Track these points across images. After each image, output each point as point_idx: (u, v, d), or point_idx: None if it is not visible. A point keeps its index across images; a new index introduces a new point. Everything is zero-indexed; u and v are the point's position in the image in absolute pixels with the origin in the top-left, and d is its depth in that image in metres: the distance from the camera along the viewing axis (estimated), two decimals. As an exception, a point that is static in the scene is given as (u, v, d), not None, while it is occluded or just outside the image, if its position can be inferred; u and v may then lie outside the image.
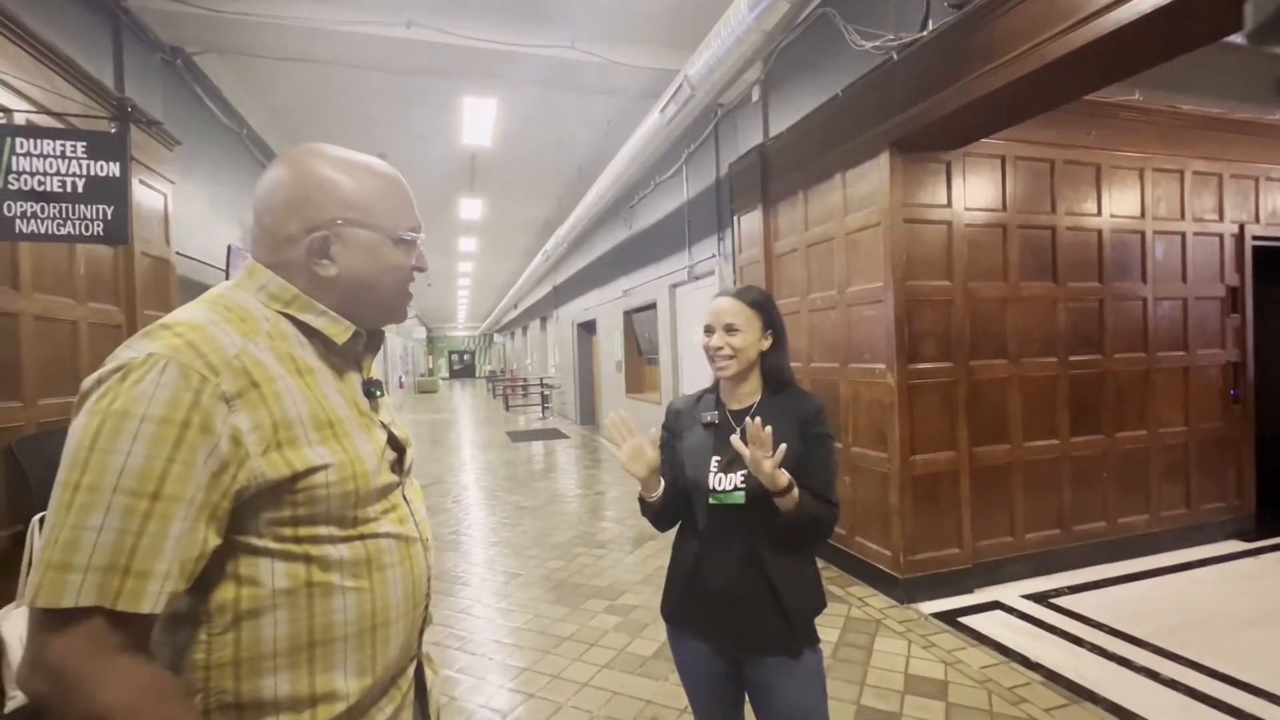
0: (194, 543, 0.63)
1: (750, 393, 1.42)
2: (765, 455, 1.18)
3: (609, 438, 1.34)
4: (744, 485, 1.31)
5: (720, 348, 1.37)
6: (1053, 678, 2.50)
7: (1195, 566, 3.62)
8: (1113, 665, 2.59)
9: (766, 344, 1.40)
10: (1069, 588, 3.36)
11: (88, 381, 0.65)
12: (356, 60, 4.16)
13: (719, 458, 1.35)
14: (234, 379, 0.66)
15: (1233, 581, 3.42)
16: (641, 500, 1.39)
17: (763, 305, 1.40)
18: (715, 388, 1.48)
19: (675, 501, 1.41)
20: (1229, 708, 2.29)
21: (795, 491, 1.24)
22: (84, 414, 0.62)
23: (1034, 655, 2.66)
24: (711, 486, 1.34)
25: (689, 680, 1.43)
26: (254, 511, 0.68)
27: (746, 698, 1.42)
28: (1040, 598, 3.25)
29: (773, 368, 1.40)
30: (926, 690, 2.42)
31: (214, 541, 0.65)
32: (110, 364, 0.65)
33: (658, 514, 1.40)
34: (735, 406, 1.42)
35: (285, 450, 0.69)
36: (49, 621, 0.59)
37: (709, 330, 1.40)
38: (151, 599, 0.60)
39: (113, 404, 0.61)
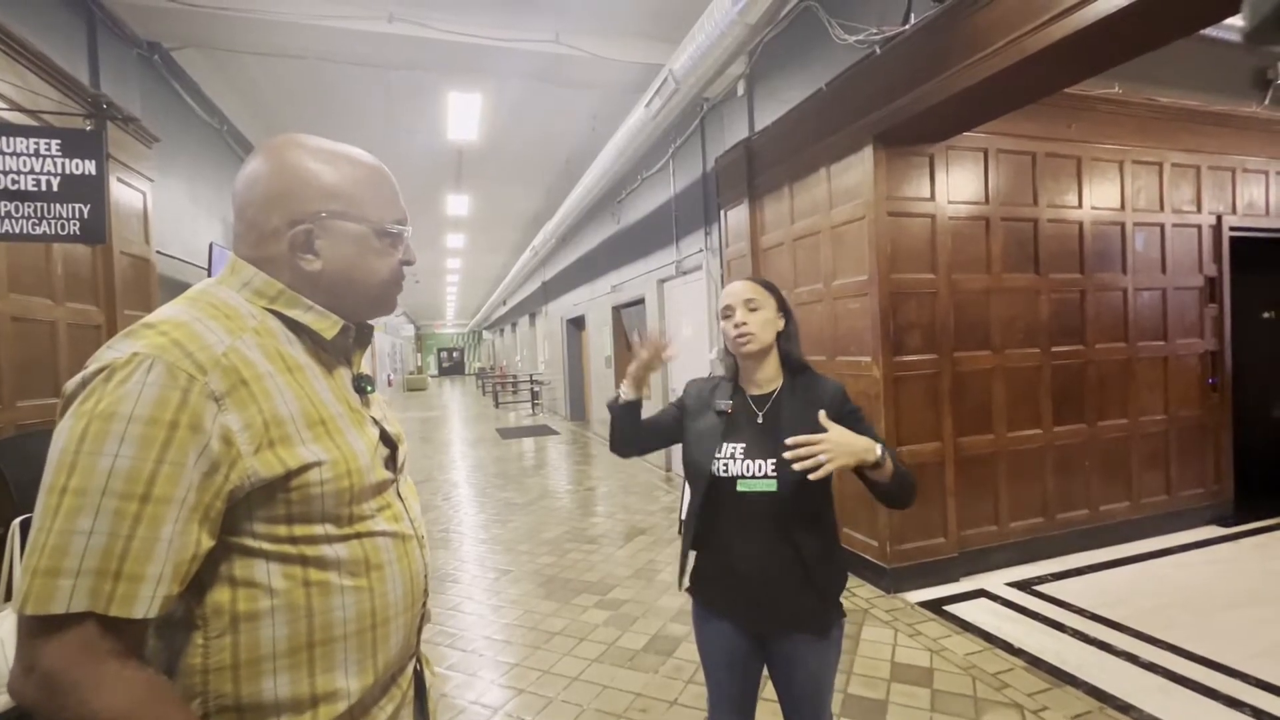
0: (187, 544, 0.61)
1: (771, 378, 1.44)
2: (827, 453, 1.20)
3: (643, 342, 1.46)
4: (775, 473, 1.34)
5: (744, 323, 1.40)
6: (1035, 663, 2.54)
7: (1175, 552, 3.68)
8: (1094, 650, 2.64)
9: (781, 324, 1.44)
10: (1052, 574, 3.41)
11: (71, 384, 0.63)
12: (338, 55, 4.11)
13: (738, 444, 1.38)
14: (223, 377, 0.65)
15: (1212, 566, 3.49)
16: (616, 399, 1.48)
17: (774, 288, 1.46)
18: (733, 376, 1.49)
19: (648, 442, 1.52)
20: (1207, 689, 2.34)
21: (885, 459, 1.26)
22: (69, 416, 0.61)
23: (1017, 641, 2.71)
24: (739, 474, 1.37)
25: (711, 658, 1.45)
26: (248, 512, 0.66)
27: (764, 671, 1.45)
28: (1024, 585, 3.30)
29: (789, 349, 1.45)
30: (912, 678, 2.46)
31: (207, 543, 0.64)
32: (93, 365, 0.63)
33: (621, 424, 1.49)
34: (756, 392, 1.45)
35: (278, 448, 0.67)
36: (40, 628, 0.58)
37: (729, 312, 1.43)
38: (144, 603, 0.59)
39: (98, 405, 0.60)
